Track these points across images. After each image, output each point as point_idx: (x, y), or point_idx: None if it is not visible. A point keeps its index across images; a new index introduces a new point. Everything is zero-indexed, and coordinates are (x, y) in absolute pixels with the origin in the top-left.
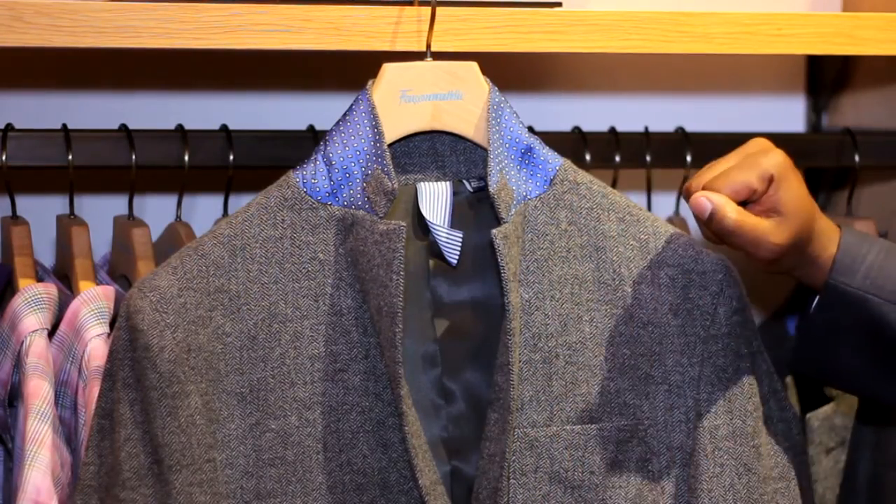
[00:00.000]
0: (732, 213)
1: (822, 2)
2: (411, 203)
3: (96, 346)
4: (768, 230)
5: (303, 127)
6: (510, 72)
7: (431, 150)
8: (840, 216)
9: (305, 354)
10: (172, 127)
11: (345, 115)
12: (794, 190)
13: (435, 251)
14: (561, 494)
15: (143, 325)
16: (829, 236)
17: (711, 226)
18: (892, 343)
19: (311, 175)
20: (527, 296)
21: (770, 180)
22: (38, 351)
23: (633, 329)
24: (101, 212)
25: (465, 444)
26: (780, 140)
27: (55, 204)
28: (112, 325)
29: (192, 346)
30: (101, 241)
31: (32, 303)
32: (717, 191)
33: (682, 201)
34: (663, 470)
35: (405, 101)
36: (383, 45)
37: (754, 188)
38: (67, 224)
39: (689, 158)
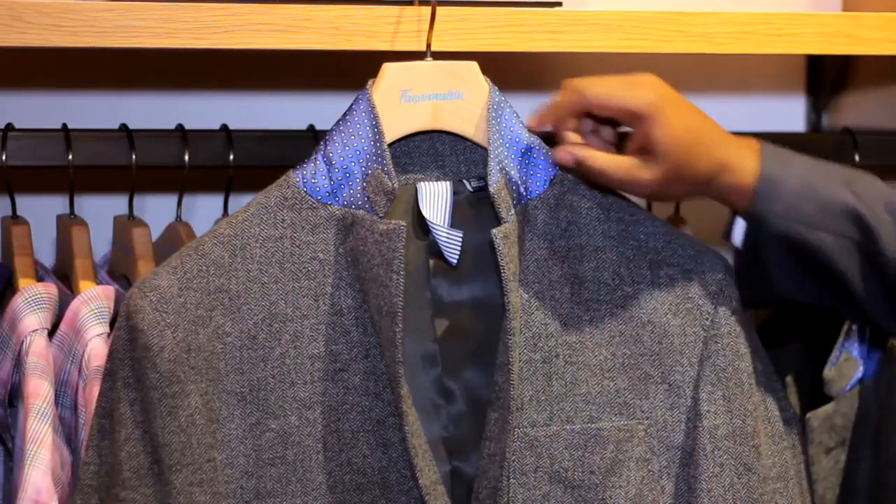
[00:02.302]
0: (595, 160)
1: (823, 1)
2: (411, 203)
3: (96, 346)
4: (635, 169)
5: (303, 126)
6: (510, 71)
7: (431, 149)
8: None
9: (305, 354)
10: (173, 126)
11: (345, 114)
12: (666, 127)
13: (435, 251)
14: (561, 494)
15: (143, 325)
16: (747, 163)
17: (580, 173)
18: (821, 265)
19: (312, 175)
20: (527, 295)
21: (639, 119)
22: (38, 350)
23: (633, 329)
24: (101, 211)
25: (465, 443)
26: (781, 139)
27: (55, 204)
28: (112, 324)
29: (193, 345)
30: (101, 240)
31: (32, 302)
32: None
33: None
34: (663, 469)
35: (405, 101)
36: (383, 44)
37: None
38: (68, 224)
39: None
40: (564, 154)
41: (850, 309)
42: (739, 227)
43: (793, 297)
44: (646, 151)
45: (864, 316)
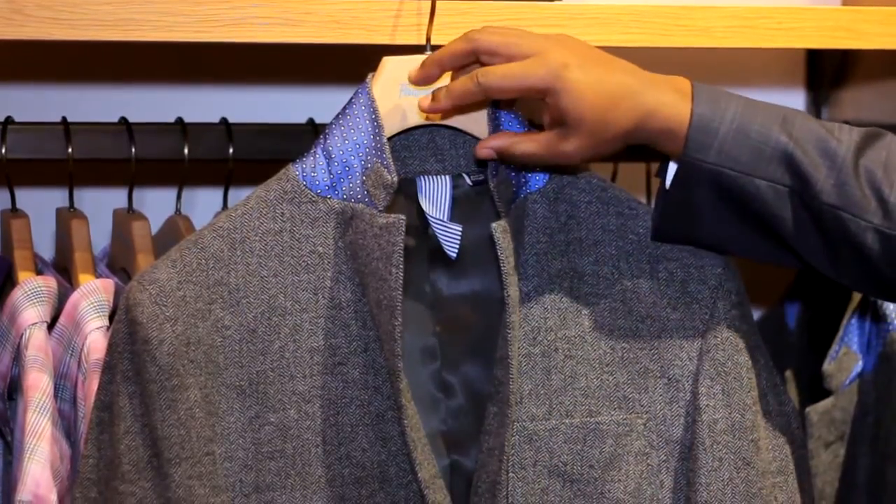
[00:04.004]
0: (515, 147)
1: None
2: (411, 197)
3: (96, 339)
4: (556, 144)
5: (302, 120)
6: None
7: (431, 143)
8: None
9: (305, 348)
10: (172, 120)
11: (344, 108)
12: (573, 95)
13: (434, 244)
14: (560, 488)
15: (142, 318)
16: (679, 107)
17: (507, 161)
18: (755, 212)
19: (311, 168)
20: (526, 289)
21: (544, 93)
22: (37, 344)
23: (632, 323)
24: (100, 205)
25: (464, 437)
26: None
27: (55, 197)
28: (111, 318)
29: (192, 339)
30: (100, 234)
31: (32, 296)
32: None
33: None
34: (662, 464)
35: (405, 95)
36: (383, 38)
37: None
38: (67, 217)
39: None
40: (483, 151)
41: (787, 257)
42: (672, 168)
43: (725, 247)
44: (563, 122)
45: (801, 263)
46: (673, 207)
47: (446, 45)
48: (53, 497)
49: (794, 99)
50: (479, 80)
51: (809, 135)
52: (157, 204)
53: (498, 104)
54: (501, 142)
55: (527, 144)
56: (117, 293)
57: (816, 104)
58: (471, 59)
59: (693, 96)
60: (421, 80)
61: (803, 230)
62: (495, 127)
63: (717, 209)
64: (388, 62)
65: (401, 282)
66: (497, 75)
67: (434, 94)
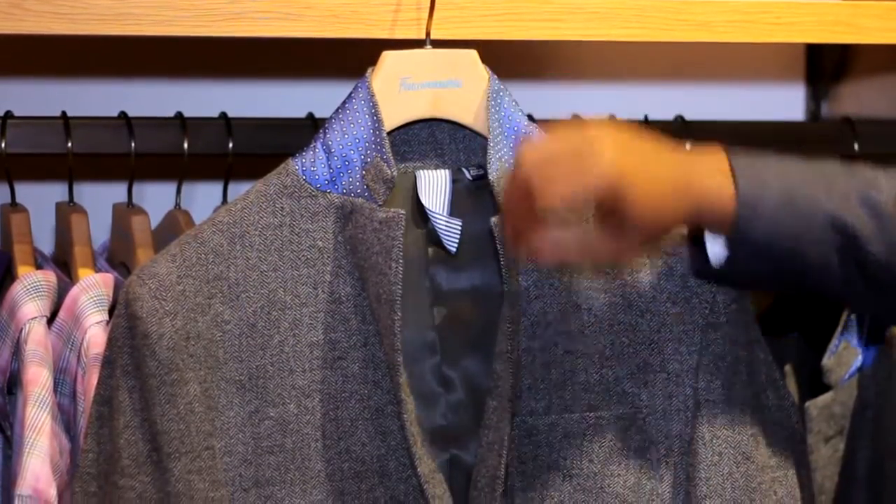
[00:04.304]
0: (576, 255)
1: None
2: (410, 191)
3: (95, 334)
4: (616, 244)
5: (302, 114)
6: (510, 60)
7: (431, 137)
8: None
9: (304, 342)
10: (172, 114)
11: (344, 102)
12: (633, 198)
13: (434, 239)
14: (559, 482)
15: (141, 313)
16: (722, 191)
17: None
18: (803, 271)
19: (311, 163)
20: (526, 284)
21: (604, 197)
22: (37, 338)
23: (632, 317)
24: (100, 199)
25: (463, 432)
26: (780, 129)
27: (54, 191)
28: (111, 312)
29: (191, 333)
30: (100, 228)
31: (31, 290)
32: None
33: None
34: (662, 458)
35: (405, 89)
36: (382, 32)
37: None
38: (67, 211)
39: (688, 147)
40: (546, 259)
41: (828, 296)
42: (714, 247)
43: (766, 288)
44: (616, 218)
45: (841, 301)
46: (725, 281)
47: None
48: (53, 491)
49: (794, 93)
50: (540, 205)
51: (853, 189)
52: (156, 198)
53: (500, 98)
54: (561, 252)
55: (586, 252)
56: (117, 288)
57: (816, 99)
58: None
59: (734, 174)
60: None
61: (852, 280)
62: (497, 121)
63: (767, 272)
64: (387, 56)
65: (400, 276)
66: (554, 195)
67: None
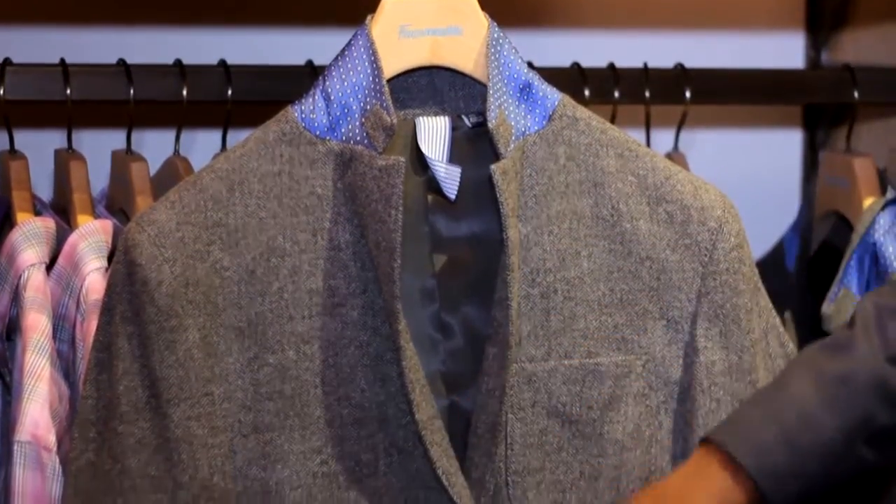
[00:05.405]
0: None
1: None
2: (410, 138)
3: (94, 280)
4: None
5: (301, 62)
6: (509, 7)
7: (430, 85)
8: (839, 152)
9: (303, 289)
10: (171, 62)
11: (343, 50)
12: None
13: (433, 186)
14: (559, 429)
15: (141, 259)
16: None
17: None
18: (851, 473)
19: (310, 110)
20: (525, 231)
21: None
22: (36, 285)
23: (632, 264)
24: (99, 146)
25: (463, 378)
26: (780, 77)
27: (53, 138)
28: (110, 259)
29: (191, 280)
30: (99, 175)
31: (30, 236)
32: None
33: (681, 137)
34: (661, 405)
35: (404, 37)
36: None
37: None
38: (66, 158)
39: (688, 94)
40: None
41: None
42: None
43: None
44: None
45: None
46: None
47: None
48: (52, 437)
49: (794, 41)
50: None
51: (851, 402)
52: (155, 145)
53: (500, 45)
54: None
55: None
56: (116, 234)
57: (816, 47)
58: None
59: (747, 473)
60: None
61: (888, 454)
62: (497, 69)
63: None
64: (387, 4)
65: (400, 223)
66: None
67: None
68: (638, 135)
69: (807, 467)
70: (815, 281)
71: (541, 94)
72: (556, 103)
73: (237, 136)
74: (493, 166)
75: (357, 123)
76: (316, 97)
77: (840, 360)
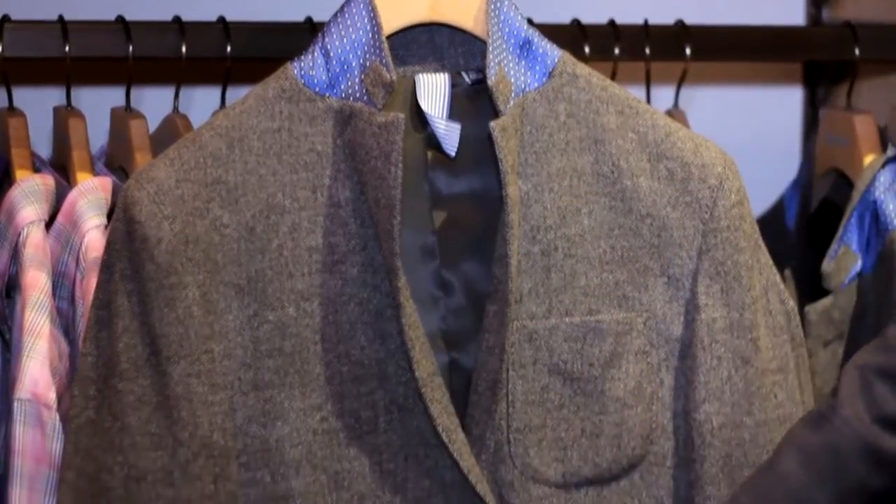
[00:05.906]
0: None
1: None
2: (409, 95)
3: (94, 238)
4: None
5: (300, 19)
6: None
7: (430, 42)
8: (839, 109)
9: (303, 246)
10: (170, 18)
11: (342, 6)
12: None
13: (433, 143)
14: (560, 386)
15: (140, 217)
16: None
17: None
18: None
19: (310, 67)
20: (525, 188)
21: None
22: (35, 242)
23: (632, 221)
24: (98, 103)
25: (463, 336)
26: (780, 34)
27: (52, 95)
28: (110, 216)
29: (190, 237)
30: (98, 132)
31: (29, 194)
32: None
33: (681, 94)
34: (662, 362)
35: None
36: None
37: None
38: (65, 115)
39: (688, 51)
40: None
41: None
42: None
43: None
44: None
45: None
46: None
47: None
48: (52, 395)
49: (794, 3)
50: None
51: (841, 473)
52: (154, 102)
53: (499, 2)
54: None
55: None
56: (115, 192)
57: (816, 3)
58: None
59: None
60: None
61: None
62: (496, 25)
63: None
64: None
65: (400, 180)
66: None
67: None
68: (638, 92)
69: None
70: (815, 238)
71: (541, 50)
72: (556, 60)
73: (236, 94)
74: (492, 123)
75: (356, 80)
76: (315, 54)
77: (825, 432)
